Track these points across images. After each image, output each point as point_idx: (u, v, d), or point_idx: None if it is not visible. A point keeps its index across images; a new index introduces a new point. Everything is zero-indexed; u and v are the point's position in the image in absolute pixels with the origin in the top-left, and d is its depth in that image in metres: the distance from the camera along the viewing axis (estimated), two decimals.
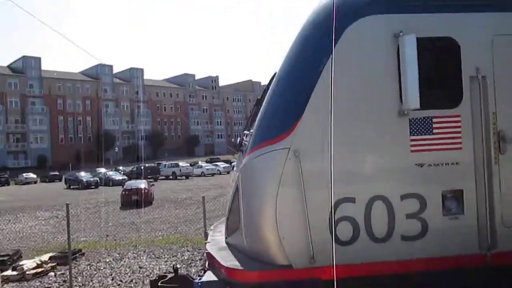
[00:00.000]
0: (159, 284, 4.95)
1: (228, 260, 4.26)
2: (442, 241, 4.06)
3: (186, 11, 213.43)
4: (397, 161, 4.16)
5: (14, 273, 9.33)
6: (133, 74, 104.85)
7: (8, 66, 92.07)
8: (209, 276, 4.28)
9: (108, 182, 44.58)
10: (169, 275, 5.23)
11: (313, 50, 4.16)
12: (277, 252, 3.97)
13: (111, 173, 51.30)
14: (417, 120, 4.13)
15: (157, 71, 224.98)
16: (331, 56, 3.83)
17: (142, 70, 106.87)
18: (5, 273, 9.24)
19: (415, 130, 4.15)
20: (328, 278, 3.37)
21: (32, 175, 60.01)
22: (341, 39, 4.04)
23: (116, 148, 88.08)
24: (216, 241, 5.10)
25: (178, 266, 7.04)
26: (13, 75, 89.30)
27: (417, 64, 3.92)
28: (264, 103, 4.42)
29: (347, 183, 4.00)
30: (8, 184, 55.74)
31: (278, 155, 4.00)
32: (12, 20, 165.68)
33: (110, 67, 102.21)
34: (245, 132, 5.00)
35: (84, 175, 46.97)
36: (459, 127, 4.15)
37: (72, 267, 9.01)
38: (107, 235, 14.72)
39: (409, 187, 4.10)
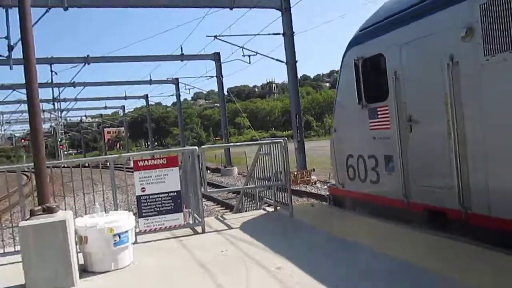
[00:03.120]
0: None
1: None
2: (385, 187, 6.33)
3: None
4: (365, 135, 6.64)
5: None
6: None
7: None
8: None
9: None
10: None
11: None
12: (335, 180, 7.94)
13: None
14: (371, 110, 6.51)
15: None
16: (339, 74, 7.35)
17: None
18: None
19: (370, 116, 6.53)
20: (343, 194, 7.36)
21: None
22: (343, 63, 7.17)
23: None
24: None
25: None
26: None
27: (366, 74, 6.57)
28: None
29: (348, 146, 7.12)
30: None
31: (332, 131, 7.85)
32: None
33: None
34: None
35: None
36: (388, 113, 6.15)
37: None
38: None
39: (371, 151, 6.56)
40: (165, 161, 6.16)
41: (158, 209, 6.12)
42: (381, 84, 6.19)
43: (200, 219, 6.43)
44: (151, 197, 6.08)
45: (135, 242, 5.84)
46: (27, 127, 68.53)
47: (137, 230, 6.08)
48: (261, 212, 7.69)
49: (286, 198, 7.03)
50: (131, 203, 6.97)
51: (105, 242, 4.70)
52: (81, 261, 4.87)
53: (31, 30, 4.62)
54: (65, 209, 6.55)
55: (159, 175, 6.12)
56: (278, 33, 21.97)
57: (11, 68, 18.52)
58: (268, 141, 7.46)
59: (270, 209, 7.69)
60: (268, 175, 7.55)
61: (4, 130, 56.13)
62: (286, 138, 6.96)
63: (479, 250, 4.48)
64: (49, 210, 4.40)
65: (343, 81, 7.31)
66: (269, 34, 23.23)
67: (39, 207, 4.40)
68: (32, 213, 4.37)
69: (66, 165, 8.57)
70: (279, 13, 21.06)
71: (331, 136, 7.92)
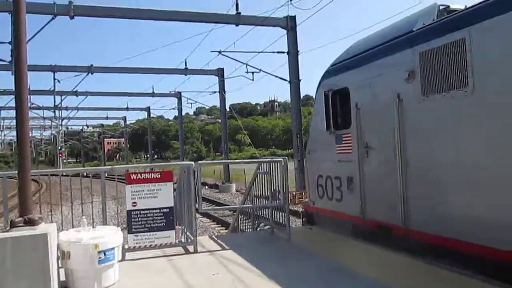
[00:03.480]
0: None
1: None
2: (347, 205, 6.96)
3: None
4: (332, 158, 7.43)
5: None
6: None
7: None
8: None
9: None
10: None
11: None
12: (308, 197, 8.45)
13: None
14: (337, 136, 7.26)
15: None
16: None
17: None
18: None
19: (337, 141, 7.27)
20: (314, 210, 7.92)
21: None
22: (317, 93, 7.97)
23: None
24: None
25: None
26: None
27: (334, 105, 7.37)
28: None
29: (319, 167, 7.74)
30: None
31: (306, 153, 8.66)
32: None
33: None
34: None
35: None
36: (350, 140, 6.89)
37: None
38: None
39: (337, 173, 7.26)
40: (159, 175, 5.90)
41: (149, 225, 5.83)
42: (346, 114, 7.04)
43: (192, 238, 6.13)
44: (142, 212, 5.80)
45: (123, 259, 5.55)
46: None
47: (126, 247, 5.79)
48: (257, 234, 7.40)
49: (284, 219, 6.74)
50: (123, 217, 6.68)
51: (89, 259, 4.41)
52: (63, 278, 4.58)
53: (24, 40, 4.42)
54: (61, 219, 6.32)
55: (152, 190, 5.84)
56: (283, 51, 21.94)
57: (12, 74, 18.37)
58: (267, 159, 7.18)
59: (267, 230, 7.39)
60: (266, 194, 7.28)
61: (5, 135, 55.86)
62: (286, 157, 6.70)
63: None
64: (31, 222, 4.12)
65: (316, 109, 8.14)
66: (273, 52, 23.20)
67: (21, 219, 4.12)
68: (13, 225, 4.09)
69: (57, 174, 8.29)
70: (285, 31, 21.07)
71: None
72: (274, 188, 6.95)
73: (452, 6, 5.69)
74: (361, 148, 6.57)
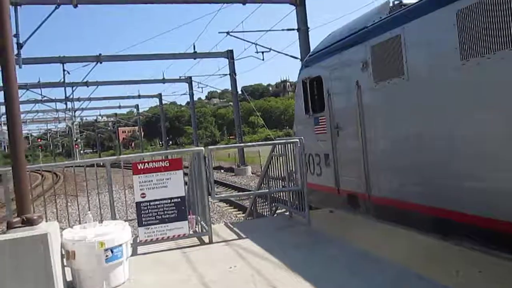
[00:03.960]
0: None
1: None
2: (325, 179, 7.84)
3: None
4: (312, 138, 8.07)
5: None
6: None
7: None
8: None
9: None
10: None
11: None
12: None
13: None
14: (315, 118, 8.12)
15: None
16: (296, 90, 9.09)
17: None
18: None
19: (315, 123, 8.13)
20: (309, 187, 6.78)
21: None
22: (297, 81, 8.85)
23: None
24: None
25: None
26: None
27: (311, 91, 8.14)
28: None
29: (306, 146, 6.73)
30: None
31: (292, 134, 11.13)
32: None
33: None
34: None
35: None
36: (325, 121, 7.73)
37: None
38: None
39: (316, 151, 8.05)
40: (168, 163, 5.54)
41: (160, 217, 5.50)
42: (321, 99, 7.95)
43: (207, 228, 5.80)
44: (152, 203, 5.47)
45: (135, 254, 5.27)
46: (43, 126, 69.26)
47: (138, 240, 5.50)
48: (275, 219, 7.05)
49: (302, 203, 6.35)
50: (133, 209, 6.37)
51: (95, 258, 4.11)
52: (70, 278, 4.30)
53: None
54: (79, 211, 6.02)
55: (161, 179, 5.50)
56: (293, 28, 21.25)
57: (20, 67, 18.17)
58: (282, 141, 6.77)
59: (286, 214, 7.04)
60: (282, 177, 6.90)
61: None
62: (302, 138, 6.26)
63: None
64: (30, 222, 3.81)
65: (297, 95, 9.05)
66: (282, 29, 22.54)
67: (18, 219, 3.82)
68: (10, 225, 3.79)
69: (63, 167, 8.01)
70: (293, 7, 20.34)
71: None
72: (291, 170, 6.57)
73: (405, 1, 6.33)
74: (333, 128, 7.51)
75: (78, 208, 5.78)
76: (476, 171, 4.78)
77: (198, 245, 5.67)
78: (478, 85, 4.60)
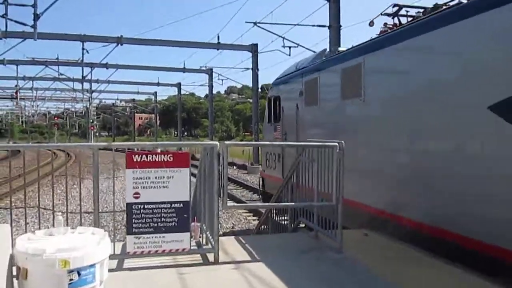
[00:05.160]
0: None
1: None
2: (277, 171, 10.31)
3: None
4: (272, 140, 11.04)
5: None
6: None
7: None
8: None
9: None
10: None
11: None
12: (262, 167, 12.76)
13: None
14: (275, 126, 10.85)
15: None
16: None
17: None
18: None
19: (274, 130, 10.90)
20: (263, 176, 12.03)
21: None
22: (266, 97, 12.56)
23: None
24: None
25: None
26: None
27: (273, 106, 10.93)
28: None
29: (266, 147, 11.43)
30: None
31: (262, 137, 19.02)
32: None
33: None
34: None
35: None
36: (280, 129, 10.45)
37: None
38: None
39: (273, 150, 10.55)
40: (172, 157, 4.37)
41: (156, 224, 4.34)
42: (278, 112, 10.62)
43: (213, 244, 4.61)
44: (146, 206, 4.31)
45: (118, 269, 4.12)
46: (61, 104, 68.95)
47: (126, 251, 4.35)
48: (297, 237, 5.83)
49: (332, 223, 5.11)
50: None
51: (55, 281, 2.95)
52: None
53: None
54: (53, 208, 4.90)
55: (161, 177, 4.33)
56: (324, 25, 19.96)
57: (35, 39, 17.28)
58: (316, 144, 5.50)
59: (310, 233, 5.82)
60: (310, 186, 5.66)
61: (37, 106, 56.22)
62: (343, 142, 4.96)
63: None
64: None
65: (266, 108, 11.91)
66: (313, 25, 21.31)
67: None
68: None
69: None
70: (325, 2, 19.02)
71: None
72: (323, 182, 5.32)
73: (340, 49, 9.03)
74: (283, 135, 10.19)
75: (53, 204, 4.59)
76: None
77: (200, 264, 4.49)
78: (343, 113, 7.47)
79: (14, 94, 44.31)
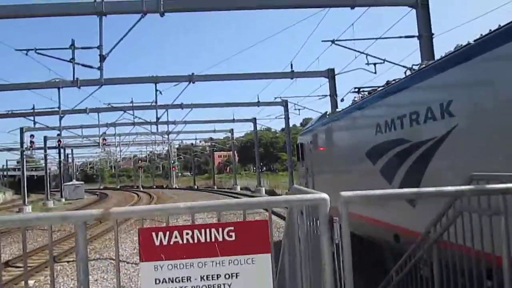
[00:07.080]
0: None
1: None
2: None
3: None
4: (302, 172, 16.00)
5: None
6: None
7: None
8: None
9: None
10: None
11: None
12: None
13: None
14: (302, 163, 15.51)
15: None
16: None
17: None
18: None
19: (302, 165, 15.77)
20: None
21: None
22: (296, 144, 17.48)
23: None
24: None
25: None
26: None
27: (302, 150, 15.60)
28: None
29: (301, 176, 16.88)
30: None
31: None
32: None
33: None
34: None
35: None
36: (304, 165, 14.92)
37: None
38: None
39: (303, 179, 15.36)
40: (234, 234, 2.13)
41: None
42: (304, 155, 14.91)
43: None
44: None
45: None
46: (143, 148, 71.62)
47: None
48: None
49: None
50: None
51: None
52: None
53: None
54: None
55: (215, 276, 2.10)
56: (412, 35, 17.23)
57: (101, 80, 16.61)
58: (498, 187, 2.91)
59: None
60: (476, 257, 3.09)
61: (120, 151, 58.48)
62: None
63: None
64: None
65: (296, 151, 16.34)
66: (400, 37, 18.72)
67: None
68: None
69: None
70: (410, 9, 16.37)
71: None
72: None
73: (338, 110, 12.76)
74: (305, 168, 14.32)
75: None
76: None
77: None
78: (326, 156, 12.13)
79: (102, 140, 46.03)
